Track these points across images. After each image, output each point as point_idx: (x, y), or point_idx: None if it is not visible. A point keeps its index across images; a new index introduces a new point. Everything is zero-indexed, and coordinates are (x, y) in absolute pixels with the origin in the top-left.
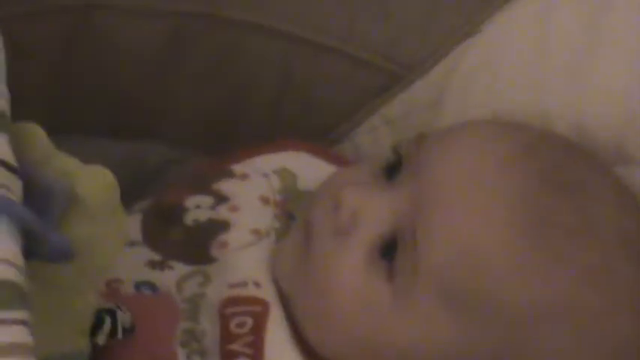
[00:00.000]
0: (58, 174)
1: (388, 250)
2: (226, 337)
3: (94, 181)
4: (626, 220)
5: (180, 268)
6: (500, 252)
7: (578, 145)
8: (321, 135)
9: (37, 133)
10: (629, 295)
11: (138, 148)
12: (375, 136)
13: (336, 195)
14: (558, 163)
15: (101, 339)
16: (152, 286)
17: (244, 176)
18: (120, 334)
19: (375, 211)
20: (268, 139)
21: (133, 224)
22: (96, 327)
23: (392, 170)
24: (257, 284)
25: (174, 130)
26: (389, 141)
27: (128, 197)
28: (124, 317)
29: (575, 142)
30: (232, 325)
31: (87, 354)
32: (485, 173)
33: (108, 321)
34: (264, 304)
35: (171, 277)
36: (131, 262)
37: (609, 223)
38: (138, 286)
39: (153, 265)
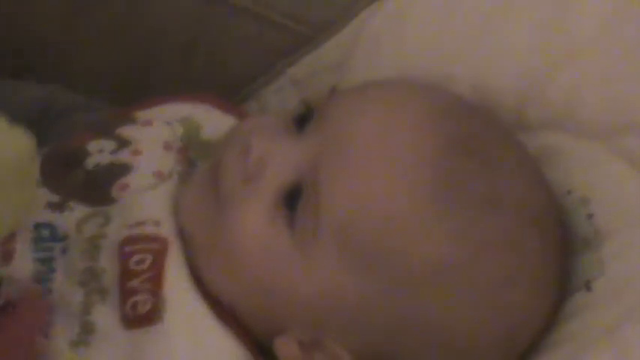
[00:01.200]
0: None
1: (292, 199)
2: (126, 274)
3: (10, 145)
4: (533, 197)
5: (80, 210)
6: (402, 208)
7: (494, 117)
8: (229, 93)
9: None
10: (530, 271)
11: (47, 89)
12: (281, 97)
13: (246, 141)
14: (471, 131)
15: None
16: (51, 227)
17: (147, 122)
18: None
19: (281, 159)
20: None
21: None
22: None
23: (302, 122)
24: (156, 223)
25: (83, 80)
26: (295, 101)
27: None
28: None
29: (492, 114)
30: (132, 263)
31: None
32: (396, 130)
33: None
34: (162, 241)
35: (71, 218)
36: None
37: (516, 198)
38: (37, 226)
39: (52, 206)
